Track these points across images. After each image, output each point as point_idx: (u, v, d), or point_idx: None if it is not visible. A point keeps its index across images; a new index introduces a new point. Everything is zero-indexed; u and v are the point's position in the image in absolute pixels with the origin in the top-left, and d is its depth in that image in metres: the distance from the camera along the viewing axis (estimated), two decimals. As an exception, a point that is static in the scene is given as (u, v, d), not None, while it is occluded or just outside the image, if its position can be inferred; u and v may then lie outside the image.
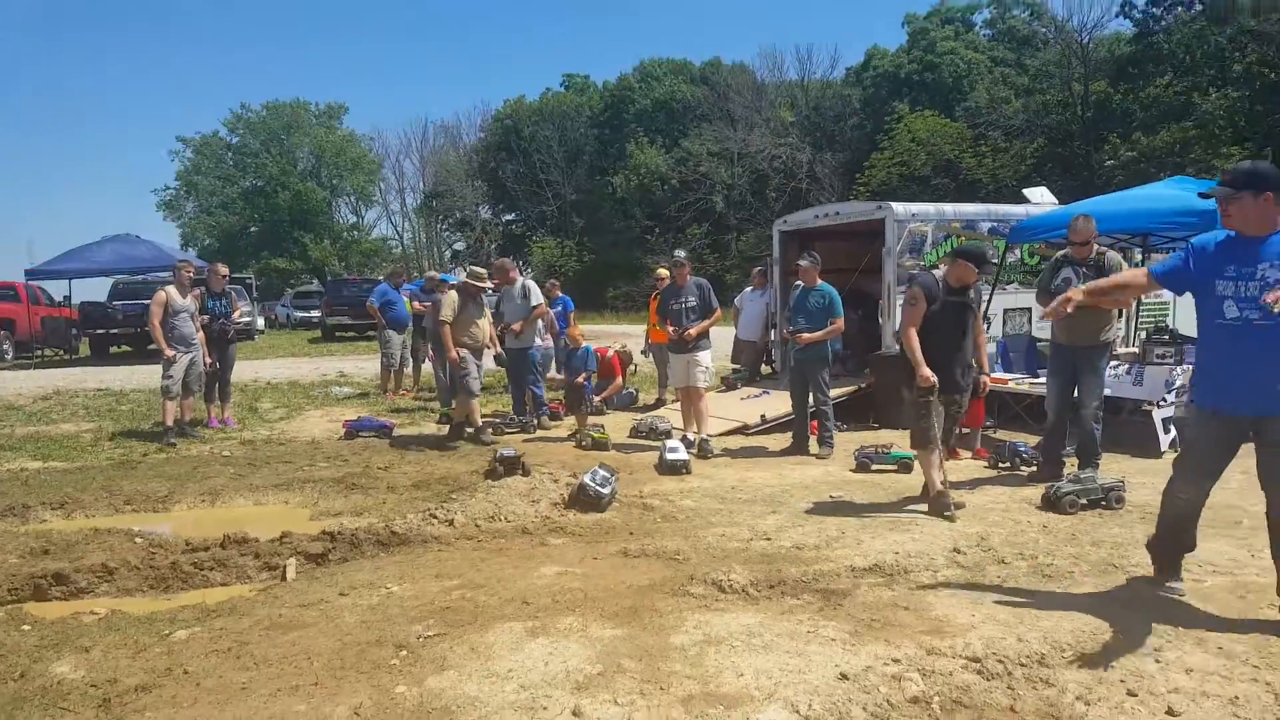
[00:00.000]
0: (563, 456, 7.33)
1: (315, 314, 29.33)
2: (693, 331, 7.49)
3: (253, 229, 51.91)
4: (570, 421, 9.04)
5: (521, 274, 9.44)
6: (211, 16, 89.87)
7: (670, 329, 7.64)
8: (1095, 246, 6.25)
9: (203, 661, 3.25)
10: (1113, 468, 6.27)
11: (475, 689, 2.97)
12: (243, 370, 10.31)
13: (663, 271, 10.88)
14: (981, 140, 32.25)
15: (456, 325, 8.19)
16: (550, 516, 5.35)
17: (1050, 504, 5.28)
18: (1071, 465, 6.20)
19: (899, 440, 7.51)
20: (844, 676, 3.00)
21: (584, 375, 8.89)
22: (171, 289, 8.54)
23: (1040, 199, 11.19)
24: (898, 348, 8.75)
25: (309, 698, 2.93)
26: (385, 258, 51.98)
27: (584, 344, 9.43)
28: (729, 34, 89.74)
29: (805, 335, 7.27)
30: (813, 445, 7.50)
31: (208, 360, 8.80)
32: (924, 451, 5.40)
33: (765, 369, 11.22)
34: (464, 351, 8.17)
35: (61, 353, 20.17)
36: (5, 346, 19.32)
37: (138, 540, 4.96)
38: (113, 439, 8.54)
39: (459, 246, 56.54)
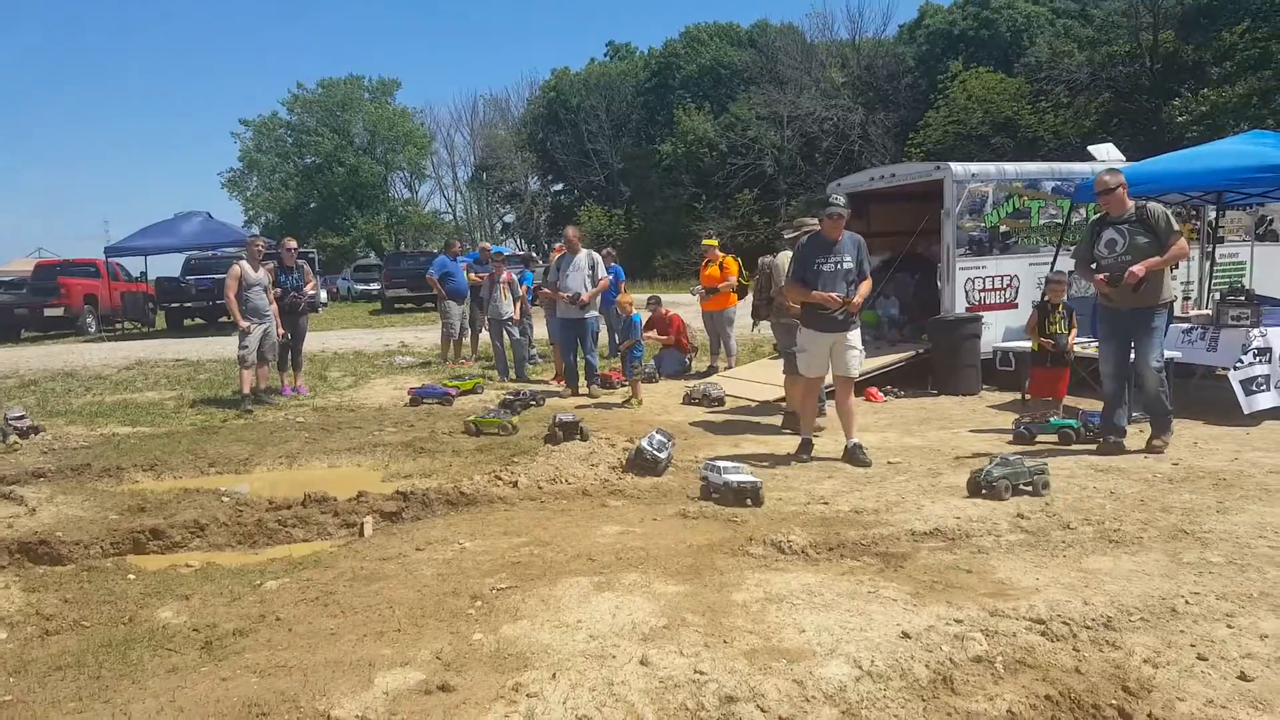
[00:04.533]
0: (618, 422, 7.47)
1: (375, 287, 30.01)
2: (857, 301, 5.89)
3: (311, 205, 53.01)
4: (624, 390, 9.18)
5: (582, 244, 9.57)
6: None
7: (831, 296, 5.81)
8: (1129, 201, 5.88)
9: (293, 609, 3.46)
10: (1185, 434, 6.15)
11: (548, 638, 3.12)
12: (310, 341, 10.69)
13: (710, 241, 10.91)
14: (1042, 96, 31.13)
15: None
16: (609, 479, 5.48)
17: (978, 489, 4.84)
18: (1140, 434, 6.07)
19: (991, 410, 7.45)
20: (906, 635, 3.04)
21: (631, 342, 8.99)
22: (244, 263, 8.87)
23: (1106, 156, 10.83)
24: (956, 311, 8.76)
25: (393, 643, 3.11)
26: (439, 231, 52.59)
27: (634, 312, 9.53)
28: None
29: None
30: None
31: (280, 331, 9.14)
32: None
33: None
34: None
35: (139, 325, 21.10)
36: (89, 320, 20.29)
37: (224, 499, 5.25)
38: (194, 406, 8.97)
39: (509, 219, 56.94)
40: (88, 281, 20.76)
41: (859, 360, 6.13)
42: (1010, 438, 6.41)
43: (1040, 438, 6.27)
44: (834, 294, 5.80)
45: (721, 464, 5.12)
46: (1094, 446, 6.04)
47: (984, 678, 2.78)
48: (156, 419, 8.26)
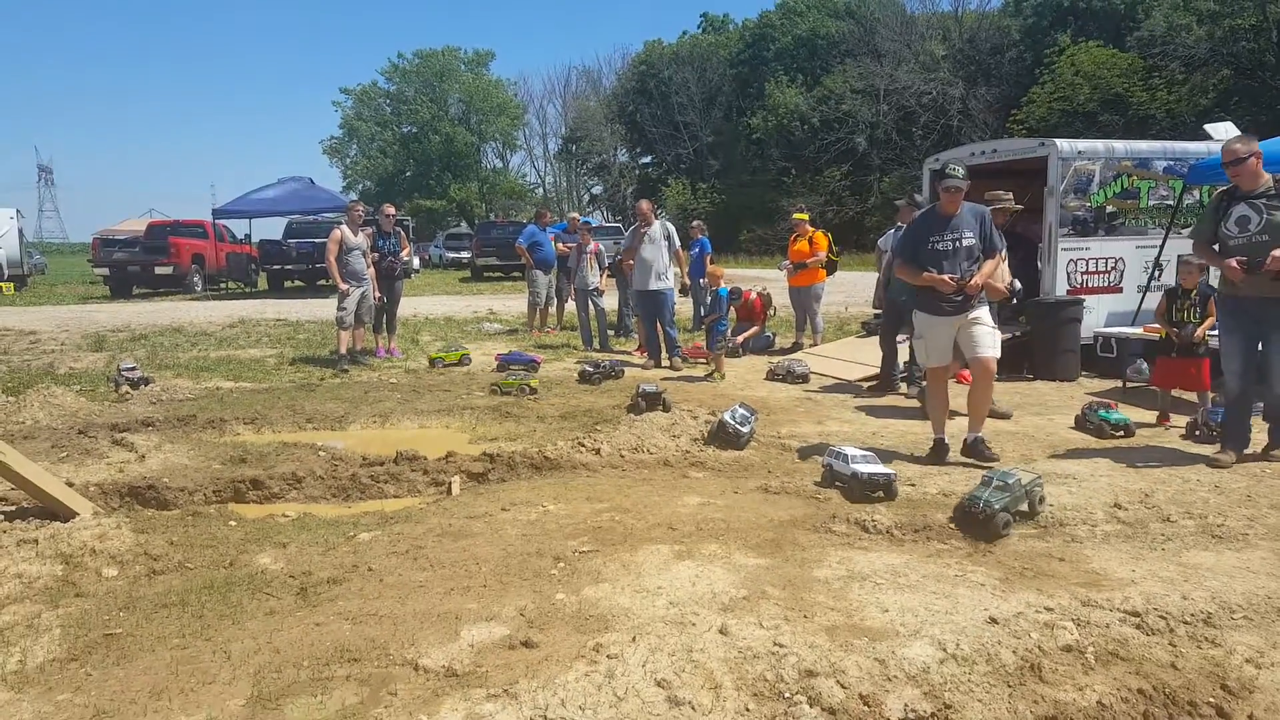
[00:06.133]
0: (700, 395, 7.45)
1: (465, 255, 30.56)
2: (978, 281, 5.25)
3: (407, 173, 54.29)
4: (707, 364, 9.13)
5: (658, 217, 9.54)
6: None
7: (944, 279, 5.21)
8: (1265, 174, 5.11)
9: (384, 561, 3.60)
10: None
11: (628, 602, 3.16)
12: (403, 306, 10.98)
13: (800, 216, 10.66)
14: (1156, 72, 29.28)
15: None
16: (690, 451, 5.48)
17: (968, 521, 3.97)
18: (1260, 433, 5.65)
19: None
20: (993, 620, 2.96)
21: (717, 316, 8.90)
22: (345, 228, 9.17)
23: (1225, 135, 10.13)
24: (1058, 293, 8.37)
25: (479, 598, 3.20)
26: (528, 200, 53.21)
27: (722, 285, 9.45)
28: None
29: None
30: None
31: (377, 295, 9.43)
32: None
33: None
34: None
35: (242, 286, 22.14)
36: (196, 279, 21.38)
37: (320, 454, 5.49)
38: (293, 364, 9.39)
39: (597, 190, 57.17)
40: (196, 242, 21.87)
41: (995, 338, 5.32)
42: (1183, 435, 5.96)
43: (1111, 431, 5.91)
44: (948, 275, 5.21)
45: (850, 451, 4.66)
46: (1205, 445, 5.65)
47: (1074, 667, 2.69)
48: (257, 375, 8.69)
